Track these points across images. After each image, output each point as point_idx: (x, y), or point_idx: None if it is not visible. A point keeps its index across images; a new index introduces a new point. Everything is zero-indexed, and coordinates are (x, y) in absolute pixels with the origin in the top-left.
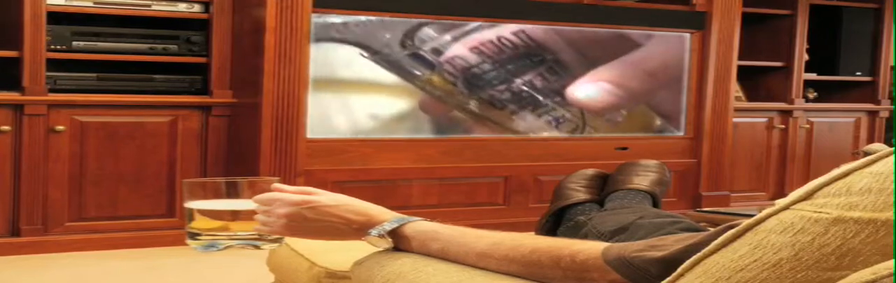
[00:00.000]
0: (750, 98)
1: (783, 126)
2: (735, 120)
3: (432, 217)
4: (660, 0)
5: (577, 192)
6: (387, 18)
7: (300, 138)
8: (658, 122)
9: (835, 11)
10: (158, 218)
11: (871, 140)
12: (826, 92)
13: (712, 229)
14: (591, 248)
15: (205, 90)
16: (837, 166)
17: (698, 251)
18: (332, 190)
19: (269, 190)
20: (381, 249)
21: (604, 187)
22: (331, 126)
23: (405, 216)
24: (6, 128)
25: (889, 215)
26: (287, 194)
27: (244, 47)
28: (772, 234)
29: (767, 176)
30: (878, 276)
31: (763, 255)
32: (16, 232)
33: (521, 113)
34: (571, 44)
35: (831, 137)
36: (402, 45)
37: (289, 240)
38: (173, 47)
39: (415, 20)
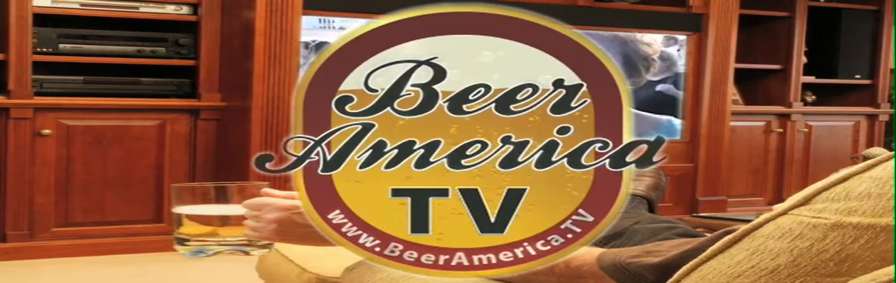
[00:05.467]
0: (747, 101)
1: (781, 130)
2: (732, 124)
3: None
4: (656, 2)
5: None
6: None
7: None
8: (654, 125)
9: (834, 13)
10: (146, 223)
11: (870, 144)
12: (825, 95)
13: (709, 235)
14: (585, 254)
15: (193, 93)
16: (836, 170)
17: (695, 256)
18: None
19: (259, 195)
20: None
21: None
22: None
23: None
24: None
25: (889, 220)
26: (277, 199)
27: (233, 50)
28: (769, 240)
29: (765, 181)
30: (878, 282)
31: (761, 261)
32: (1, 238)
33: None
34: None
35: (830, 141)
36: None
37: (279, 246)
38: (161, 50)
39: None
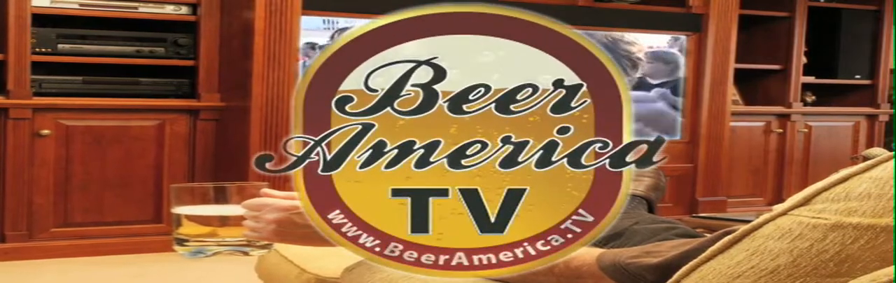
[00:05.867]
0: (747, 102)
1: (781, 130)
2: (732, 124)
3: None
4: (655, 2)
5: None
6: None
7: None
8: (653, 126)
9: (834, 13)
10: (145, 224)
11: (870, 144)
12: (825, 95)
13: (709, 236)
14: (585, 254)
15: (192, 94)
16: (836, 170)
17: (694, 257)
18: None
19: (258, 195)
20: None
21: None
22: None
23: None
24: None
25: (889, 220)
26: (276, 200)
27: (232, 50)
28: (769, 240)
29: (765, 181)
30: None
31: (760, 261)
32: (0, 238)
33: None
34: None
35: (830, 141)
36: None
37: (278, 246)
38: (160, 50)
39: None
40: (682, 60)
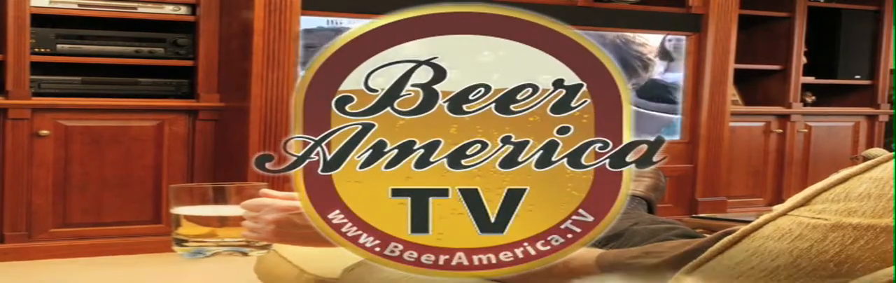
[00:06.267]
0: (747, 102)
1: (781, 130)
2: (732, 124)
3: None
4: (655, 2)
5: None
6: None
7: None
8: (653, 125)
9: (834, 14)
10: (144, 224)
11: (870, 145)
12: (824, 96)
13: (709, 236)
14: (585, 254)
15: (191, 94)
16: (836, 171)
17: (694, 257)
18: None
19: (257, 196)
20: None
21: None
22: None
23: None
24: None
25: (889, 221)
26: (275, 200)
27: (232, 50)
28: (769, 240)
29: (765, 181)
30: None
31: (760, 262)
32: None
33: None
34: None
35: (830, 141)
36: None
37: (277, 247)
38: (159, 50)
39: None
40: (658, 62)
